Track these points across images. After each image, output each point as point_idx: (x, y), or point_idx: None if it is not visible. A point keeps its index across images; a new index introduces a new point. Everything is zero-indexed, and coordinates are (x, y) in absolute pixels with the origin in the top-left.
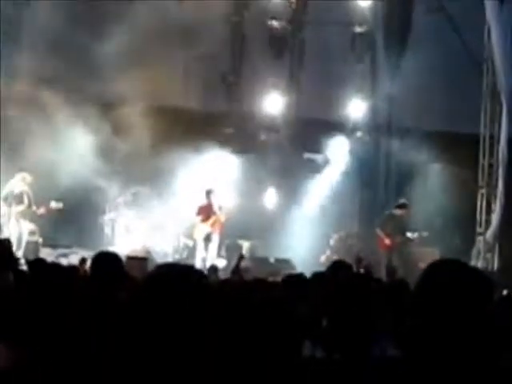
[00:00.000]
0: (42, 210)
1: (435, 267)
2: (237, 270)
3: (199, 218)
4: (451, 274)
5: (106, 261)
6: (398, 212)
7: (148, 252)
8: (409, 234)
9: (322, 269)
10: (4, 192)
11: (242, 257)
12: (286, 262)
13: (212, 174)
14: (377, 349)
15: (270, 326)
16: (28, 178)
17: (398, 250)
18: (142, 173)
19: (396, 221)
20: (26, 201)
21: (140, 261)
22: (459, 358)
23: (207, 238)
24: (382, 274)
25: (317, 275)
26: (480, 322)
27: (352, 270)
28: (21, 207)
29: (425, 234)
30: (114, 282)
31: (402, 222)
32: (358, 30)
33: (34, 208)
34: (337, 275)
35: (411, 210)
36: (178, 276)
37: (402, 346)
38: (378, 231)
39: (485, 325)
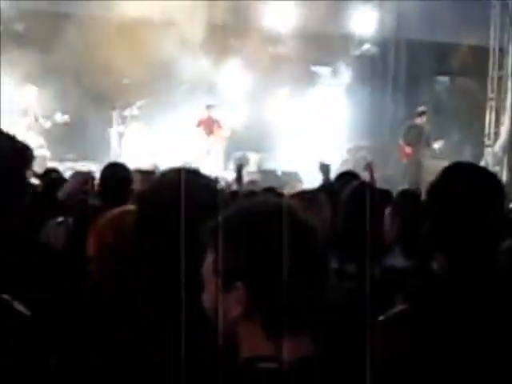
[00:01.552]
0: (48, 124)
1: (447, 171)
2: (239, 179)
3: (200, 130)
4: (465, 177)
5: (115, 171)
6: (418, 121)
7: (155, 166)
8: (436, 146)
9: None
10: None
11: (241, 166)
12: (293, 175)
13: (221, 87)
14: (387, 260)
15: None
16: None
17: (418, 160)
18: (149, 86)
19: (417, 130)
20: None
21: (147, 174)
22: (472, 263)
23: (209, 152)
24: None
25: (323, 187)
26: (493, 228)
27: (359, 179)
28: (27, 121)
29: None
30: (122, 193)
31: (423, 132)
32: None
33: (41, 121)
34: (343, 186)
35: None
36: (186, 181)
37: (412, 257)
38: (400, 141)
39: (497, 231)
